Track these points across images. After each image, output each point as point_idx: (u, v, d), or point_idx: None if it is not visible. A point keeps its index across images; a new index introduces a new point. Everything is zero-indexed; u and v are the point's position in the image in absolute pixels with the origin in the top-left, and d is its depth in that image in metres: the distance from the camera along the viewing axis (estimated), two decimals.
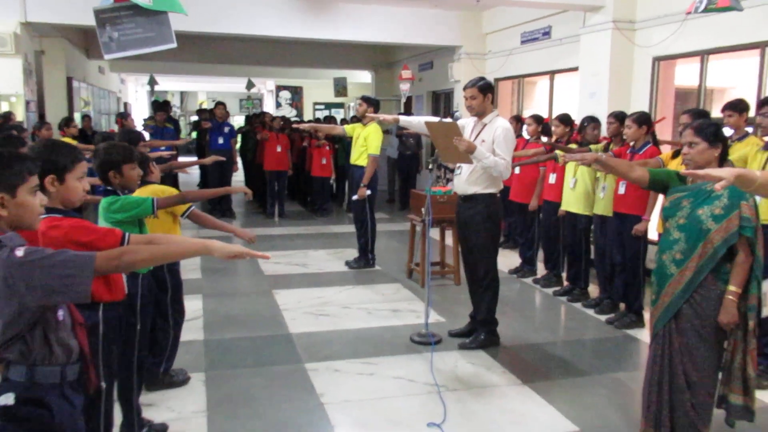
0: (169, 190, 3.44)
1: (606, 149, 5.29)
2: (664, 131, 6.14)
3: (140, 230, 2.89)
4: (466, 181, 4.45)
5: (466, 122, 4.59)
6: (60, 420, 1.79)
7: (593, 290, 5.67)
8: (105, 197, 2.88)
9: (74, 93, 11.82)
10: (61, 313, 1.80)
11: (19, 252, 1.64)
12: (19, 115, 8.10)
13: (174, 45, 5.15)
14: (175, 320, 3.68)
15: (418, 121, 4.80)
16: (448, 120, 4.53)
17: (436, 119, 4.56)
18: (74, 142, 7.17)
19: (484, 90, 4.39)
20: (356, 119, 7.66)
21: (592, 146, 5.47)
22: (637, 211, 4.86)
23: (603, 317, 5.21)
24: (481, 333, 4.56)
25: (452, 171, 5.17)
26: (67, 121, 7.70)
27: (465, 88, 4.49)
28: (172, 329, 3.64)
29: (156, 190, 3.39)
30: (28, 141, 6.25)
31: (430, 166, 4.58)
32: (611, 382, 4.01)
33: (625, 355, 4.50)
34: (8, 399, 1.73)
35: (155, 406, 3.54)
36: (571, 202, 5.54)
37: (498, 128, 4.34)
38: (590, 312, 5.38)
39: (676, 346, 3.00)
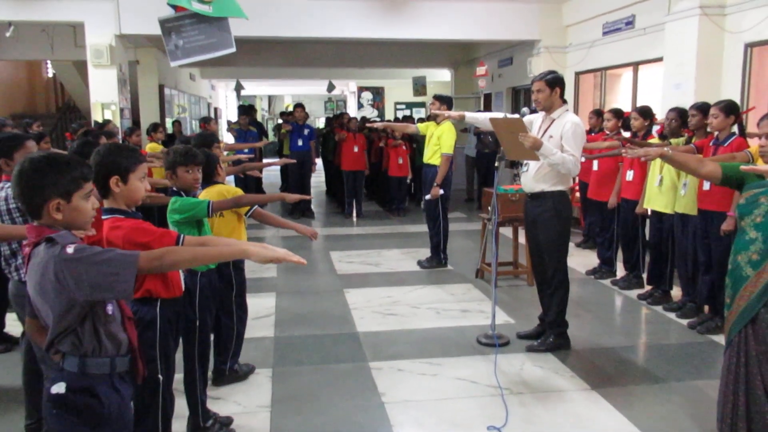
0: (233, 191, 3.57)
1: (688, 142, 4.99)
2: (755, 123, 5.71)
3: (199, 230, 3.01)
4: (533, 178, 4.33)
5: (535, 117, 4.47)
6: (108, 409, 1.89)
7: (677, 293, 5.36)
8: (170, 198, 3.03)
9: (165, 100, 12.48)
10: (110, 308, 1.91)
11: (70, 249, 1.75)
12: (115, 122, 8.67)
13: (233, 49, 5.35)
14: (239, 317, 3.80)
15: (484, 118, 4.72)
16: (514, 116, 4.42)
17: (500, 115, 4.46)
18: (160, 147, 7.59)
19: (552, 84, 4.24)
20: (428, 118, 7.64)
21: (672, 140, 5.18)
22: (724, 207, 4.54)
23: (685, 321, 4.92)
24: (550, 335, 4.42)
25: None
26: (155, 127, 8.14)
27: (533, 82, 4.37)
28: (235, 326, 3.76)
29: (221, 191, 3.53)
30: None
31: (497, 164, 4.48)
32: (689, 390, 3.78)
33: (708, 362, 4.21)
34: (60, 388, 1.85)
35: (223, 399, 3.68)
36: (657, 200, 5.23)
37: (567, 123, 4.19)
38: (672, 315, 5.10)
39: (753, 353, 2.79)
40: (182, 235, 2.31)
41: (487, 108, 12.59)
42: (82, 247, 1.78)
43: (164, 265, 1.86)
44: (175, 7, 5.08)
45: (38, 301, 1.82)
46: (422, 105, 19.65)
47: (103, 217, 2.29)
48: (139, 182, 2.31)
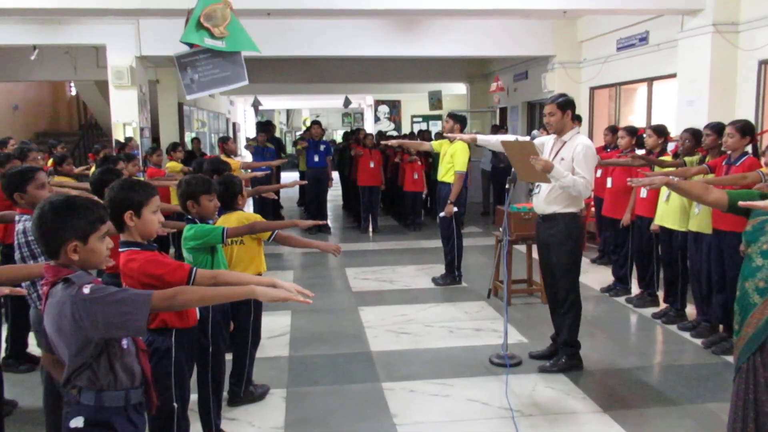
0: (252, 217, 3.66)
1: (702, 162, 4.99)
2: None
3: (212, 256, 3.10)
4: (544, 200, 4.36)
5: (546, 140, 4.51)
6: None
7: (691, 311, 5.34)
8: (186, 225, 3.11)
9: (185, 115, 12.70)
10: (125, 342, 1.99)
11: (86, 290, 1.84)
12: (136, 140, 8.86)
13: (246, 82, 5.51)
14: (253, 342, 3.87)
15: (496, 140, 4.77)
16: (525, 138, 4.46)
17: (512, 137, 4.51)
18: (179, 166, 7.74)
19: (563, 107, 4.28)
20: (441, 135, 7.70)
21: (686, 159, 5.18)
22: (739, 227, 4.51)
23: (700, 341, 4.90)
24: (562, 356, 4.43)
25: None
26: (175, 146, 8.30)
27: (544, 104, 4.41)
28: (249, 351, 3.83)
29: (240, 218, 3.62)
30: (140, 167, 6.83)
31: (507, 186, 4.52)
32: (702, 413, 3.77)
33: (721, 384, 4.18)
34: (78, 422, 1.93)
35: (237, 420, 3.74)
36: (666, 217, 5.25)
37: (578, 146, 4.22)
38: (686, 335, 5.08)
39: (761, 381, 2.80)
40: (195, 269, 2.38)
41: (503, 122, 12.63)
42: (98, 287, 1.86)
43: (176, 305, 1.94)
44: (190, 44, 5.25)
45: (55, 338, 1.91)
46: (438, 118, 19.70)
47: (120, 249, 2.38)
48: (152, 215, 2.39)
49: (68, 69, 11.11)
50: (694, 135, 5.17)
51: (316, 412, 3.86)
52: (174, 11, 6.10)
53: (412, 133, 14.71)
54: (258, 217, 3.71)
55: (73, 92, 16.15)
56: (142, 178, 5.00)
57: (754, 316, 2.78)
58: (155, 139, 11.31)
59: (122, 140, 8.74)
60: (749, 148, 4.60)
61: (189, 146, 11.66)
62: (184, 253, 3.20)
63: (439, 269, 7.11)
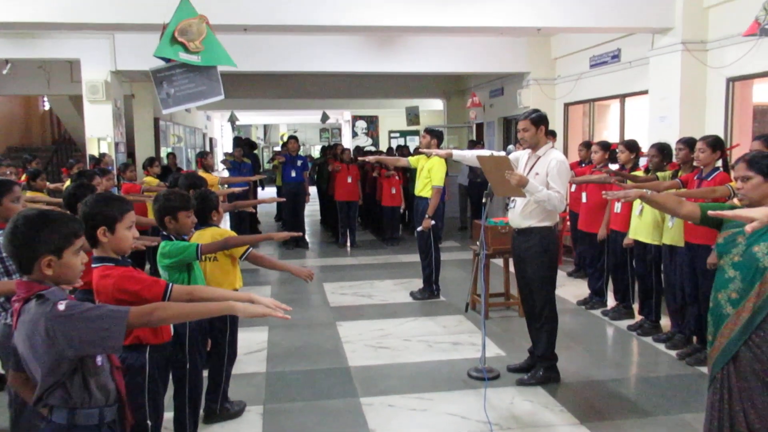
0: (226, 233, 3.63)
1: (674, 176, 5.09)
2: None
3: (189, 273, 3.06)
4: (520, 214, 4.41)
5: (521, 155, 4.56)
6: None
7: (666, 324, 5.41)
8: (161, 241, 3.08)
9: (160, 130, 12.60)
10: (99, 359, 1.95)
11: (61, 306, 1.80)
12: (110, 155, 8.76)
13: (222, 97, 5.52)
14: (230, 358, 3.82)
15: (471, 155, 4.81)
16: (500, 154, 4.51)
17: (487, 153, 4.57)
18: (156, 181, 7.66)
19: (537, 122, 4.34)
20: (418, 151, 7.75)
21: (659, 174, 5.28)
22: (710, 241, 4.61)
23: (674, 352, 4.96)
24: (539, 369, 4.46)
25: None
26: (151, 161, 8.23)
27: (518, 121, 4.47)
28: (225, 368, 3.78)
29: (215, 234, 3.59)
30: (114, 182, 6.75)
31: (484, 200, 4.56)
32: (677, 424, 3.82)
33: (696, 395, 4.23)
34: None
35: None
36: (640, 231, 5.34)
37: (552, 161, 4.28)
38: (661, 347, 5.14)
39: (735, 391, 2.83)
40: (171, 285, 2.35)
41: (479, 137, 12.76)
42: (73, 303, 1.83)
43: (153, 321, 1.92)
44: (166, 59, 5.24)
45: (27, 356, 1.86)
46: (416, 133, 19.84)
47: (93, 265, 2.34)
48: (126, 231, 2.36)
49: (41, 83, 10.97)
50: (660, 150, 5.30)
51: (294, 429, 3.82)
52: (149, 26, 6.08)
53: (390, 148, 14.76)
54: (232, 233, 3.68)
55: (47, 107, 15.95)
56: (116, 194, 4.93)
57: (727, 327, 2.82)
58: (130, 154, 11.19)
59: (96, 155, 8.64)
60: (719, 163, 4.71)
61: (165, 161, 11.56)
62: (160, 270, 3.16)
63: (417, 283, 7.12)
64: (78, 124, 12.27)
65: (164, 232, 3.12)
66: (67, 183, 6.16)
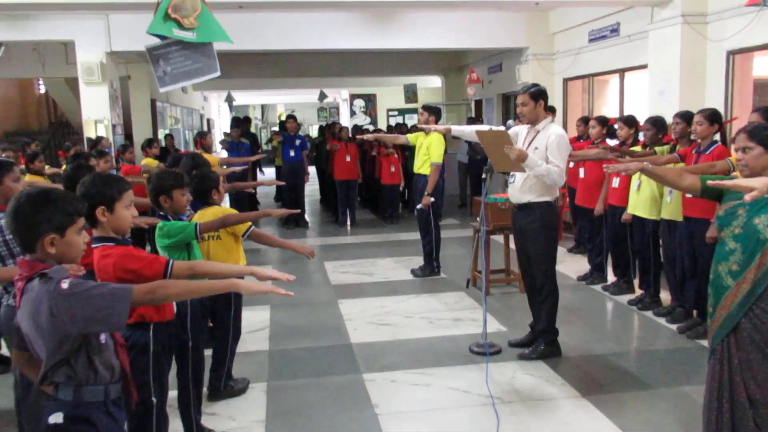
0: (228, 212, 3.62)
1: (672, 151, 5.07)
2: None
3: (188, 253, 3.07)
4: (519, 189, 4.40)
5: (520, 129, 4.54)
6: None
7: (666, 298, 5.44)
8: (158, 222, 3.08)
9: (158, 112, 12.53)
10: (103, 337, 1.96)
11: (65, 284, 1.81)
12: (108, 138, 8.72)
13: (218, 74, 5.47)
14: (234, 336, 3.85)
15: (470, 131, 4.80)
16: (500, 128, 4.49)
17: (486, 128, 4.54)
18: (155, 162, 7.64)
19: (535, 96, 4.31)
20: (417, 128, 7.72)
21: (657, 148, 5.26)
22: (708, 214, 4.61)
23: (674, 326, 4.99)
24: (540, 343, 4.49)
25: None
26: (150, 142, 8.19)
27: (517, 95, 4.44)
28: (230, 346, 3.81)
29: (216, 213, 3.59)
30: (112, 164, 6.73)
31: (484, 176, 4.55)
32: (677, 396, 3.85)
33: (696, 368, 4.26)
34: (58, 418, 1.90)
35: (218, 415, 3.73)
36: (638, 206, 5.33)
37: (551, 135, 4.26)
38: (661, 321, 5.17)
39: (735, 361, 2.85)
40: (171, 261, 2.35)
41: (478, 114, 12.70)
42: (77, 281, 1.83)
43: (157, 299, 1.93)
44: (161, 36, 5.19)
45: (32, 334, 1.87)
46: (414, 111, 19.72)
47: (93, 245, 2.34)
48: (125, 210, 2.36)
49: (36, 66, 10.88)
50: (655, 124, 5.28)
51: (298, 405, 3.86)
52: (143, 5, 6.01)
53: (389, 126, 14.69)
54: (233, 211, 3.68)
55: (42, 90, 15.84)
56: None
57: (728, 299, 2.83)
58: (128, 136, 11.14)
59: (94, 138, 8.60)
60: (718, 137, 4.69)
61: (163, 143, 11.51)
62: (159, 251, 3.16)
63: (418, 261, 7.14)
64: (74, 107, 12.20)
65: (160, 212, 3.12)
66: (64, 167, 6.15)
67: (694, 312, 5.00)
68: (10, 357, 4.56)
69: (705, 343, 4.59)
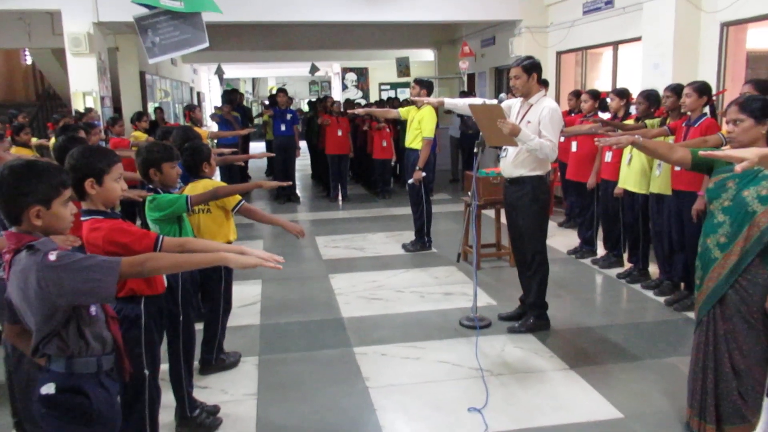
0: (218, 185, 3.60)
1: (663, 124, 5.07)
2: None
3: (179, 225, 3.05)
4: (512, 163, 4.39)
5: (513, 103, 4.52)
6: (98, 406, 1.96)
7: (655, 271, 5.48)
8: (148, 195, 3.06)
9: (147, 85, 12.37)
10: (93, 309, 1.96)
11: (52, 256, 1.79)
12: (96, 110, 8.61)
13: (206, 44, 5.40)
14: (225, 310, 3.86)
15: (463, 104, 4.77)
16: (492, 102, 4.47)
17: (479, 101, 4.51)
18: (144, 136, 7.57)
19: (529, 69, 4.28)
20: (408, 102, 7.68)
21: (648, 121, 5.26)
22: (696, 187, 4.64)
23: (662, 299, 5.05)
24: (530, 317, 4.53)
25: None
26: (140, 115, 8.10)
27: (510, 68, 4.41)
28: (221, 319, 3.82)
29: (207, 185, 3.56)
30: (101, 136, 6.66)
31: (476, 150, 4.53)
32: (664, 367, 3.90)
33: (682, 339, 4.33)
34: (50, 389, 1.91)
35: (210, 388, 3.75)
36: (628, 180, 5.35)
37: (544, 109, 4.24)
38: (649, 294, 5.22)
39: (721, 332, 2.90)
40: (161, 237, 2.34)
41: (471, 88, 12.62)
42: (64, 253, 1.82)
43: (145, 271, 1.92)
44: (149, 6, 5.10)
45: (21, 306, 1.87)
46: (407, 85, 19.58)
47: (82, 218, 2.32)
48: (114, 183, 2.33)
49: (22, 36, 10.69)
50: (647, 97, 5.29)
51: (289, 378, 3.89)
52: None
53: (381, 100, 14.59)
54: (223, 184, 3.65)
55: (29, 61, 15.57)
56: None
57: (715, 271, 2.87)
58: (117, 109, 11.01)
59: (82, 110, 8.49)
60: (707, 109, 4.69)
61: (153, 117, 11.39)
62: (149, 224, 3.14)
63: (409, 236, 7.15)
64: (62, 79, 12.00)
65: (150, 186, 3.09)
66: (52, 139, 6.07)
67: (682, 285, 5.05)
68: (1, 330, 4.57)
69: (692, 315, 4.63)
